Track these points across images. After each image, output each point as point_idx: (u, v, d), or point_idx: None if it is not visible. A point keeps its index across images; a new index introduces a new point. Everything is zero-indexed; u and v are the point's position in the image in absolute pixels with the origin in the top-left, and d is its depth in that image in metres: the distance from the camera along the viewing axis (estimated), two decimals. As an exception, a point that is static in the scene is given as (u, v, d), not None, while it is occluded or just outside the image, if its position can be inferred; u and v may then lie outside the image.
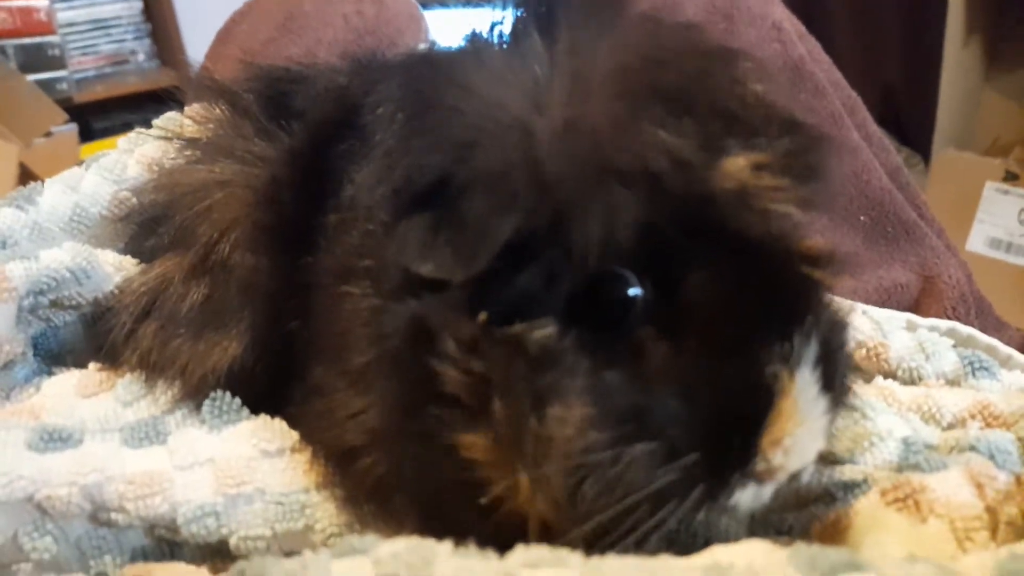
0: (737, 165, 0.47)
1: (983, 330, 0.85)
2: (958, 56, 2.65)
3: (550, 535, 0.49)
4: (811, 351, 0.49)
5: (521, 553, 0.40)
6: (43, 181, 0.84)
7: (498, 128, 0.49)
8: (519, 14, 0.56)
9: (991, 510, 0.58)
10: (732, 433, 0.47)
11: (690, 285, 0.48)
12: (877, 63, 3.01)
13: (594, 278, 0.48)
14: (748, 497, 0.49)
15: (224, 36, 1.46)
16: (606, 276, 0.48)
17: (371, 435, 0.56)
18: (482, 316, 0.49)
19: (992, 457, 0.61)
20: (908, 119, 2.98)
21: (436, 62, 0.60)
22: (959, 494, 0.58)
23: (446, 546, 0.40)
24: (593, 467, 0.46)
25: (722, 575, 0.37)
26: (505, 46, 0.55)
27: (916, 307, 1.19)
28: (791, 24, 1.33)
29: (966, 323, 0.89)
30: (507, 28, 0.55)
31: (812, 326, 0.49)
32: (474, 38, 0.57)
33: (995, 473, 0.60)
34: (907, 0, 2.91)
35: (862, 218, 1.27)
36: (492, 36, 0.56)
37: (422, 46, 0.76)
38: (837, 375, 0.51)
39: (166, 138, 0.79)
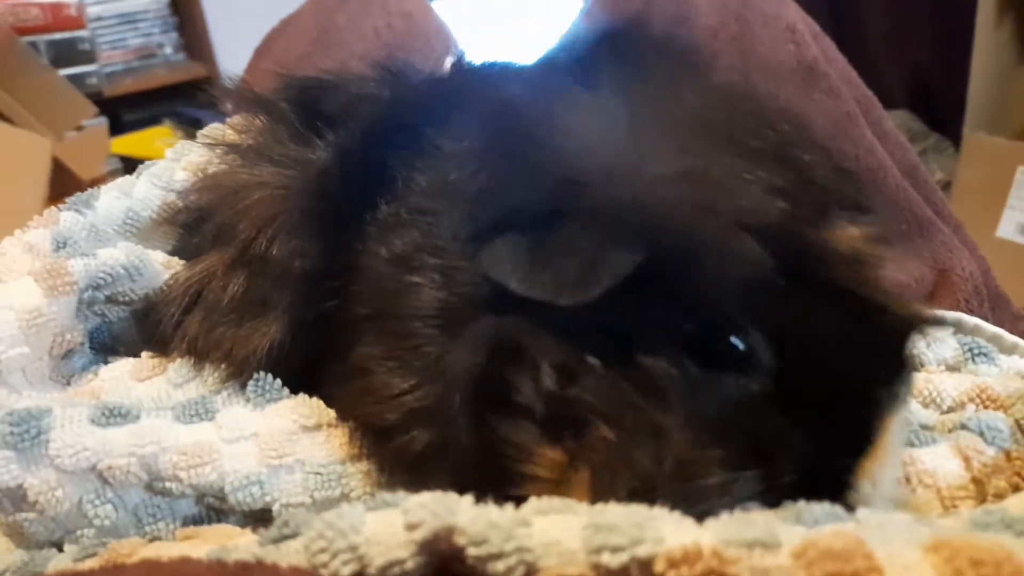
0: (850, 233, 0.52)
1: (999, 324, 0.89)
2: (990, 38, 2.60)
3: None
4: (906, 394, 0.54)
5: (534, 502, 0.45)
6: (100, 187, 0.91)
7: (603, 169, 0.52)
8: (597, 46, 0.61)
9: (977, 481, 0.62)
10: (833, 467, 0.51)
11: (801, 335, 0.53)
12: (906, 45, 2.97)
13: (711, 322, 0.52)
14: None
15: (262, 52, 1.54)
16: (723, 321, 0.52)
17: (412, 415, 0.60)
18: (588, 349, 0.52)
19: (982, 434, 0.65)
20: (938, 103, 2.93)
21: (522, 101, 0.63)
22: (945, 465, 0.62)
23: (468, 498, 0.45)
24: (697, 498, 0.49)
25: (710, 525, 0.41)
26: (584, 81, 0.59)
27: (931, 301, 1.20)
28: (805, 25, 1.35)
29: (979, 316, 0.92)
30: (583, 62, 0.60)
31: (909, 373, 0.54)
32: (552, 70, 0.61)
33: (983, 448, 0.64)
34: (938, -17, 2.89)
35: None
36: (567, 68, 0.61)
37: (467, 61, 0.81)
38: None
39: (210, 146, 0.85)
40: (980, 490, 0.62)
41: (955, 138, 2.79)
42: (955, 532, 0.41)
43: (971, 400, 0.74)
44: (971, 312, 1.14)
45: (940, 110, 2.92)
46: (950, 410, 0.75)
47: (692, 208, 0.50)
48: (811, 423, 0.52)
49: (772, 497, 0.48)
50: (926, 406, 0.75)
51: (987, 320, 0.88)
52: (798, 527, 0.43)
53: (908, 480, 0.62)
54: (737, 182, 0.51)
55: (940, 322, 0.57)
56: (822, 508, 0.45)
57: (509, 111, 0.63)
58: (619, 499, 0.46)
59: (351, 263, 0.67)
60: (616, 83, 0.58)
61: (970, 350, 0.82)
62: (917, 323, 0.55)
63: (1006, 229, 2.52)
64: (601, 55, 0.61)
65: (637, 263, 0.49)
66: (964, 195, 2.57)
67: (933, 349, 0.81)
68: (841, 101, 1.30)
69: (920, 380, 0.77)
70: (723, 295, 0.50)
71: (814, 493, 0.48)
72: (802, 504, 0.46)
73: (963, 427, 0.67)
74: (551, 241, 0.51)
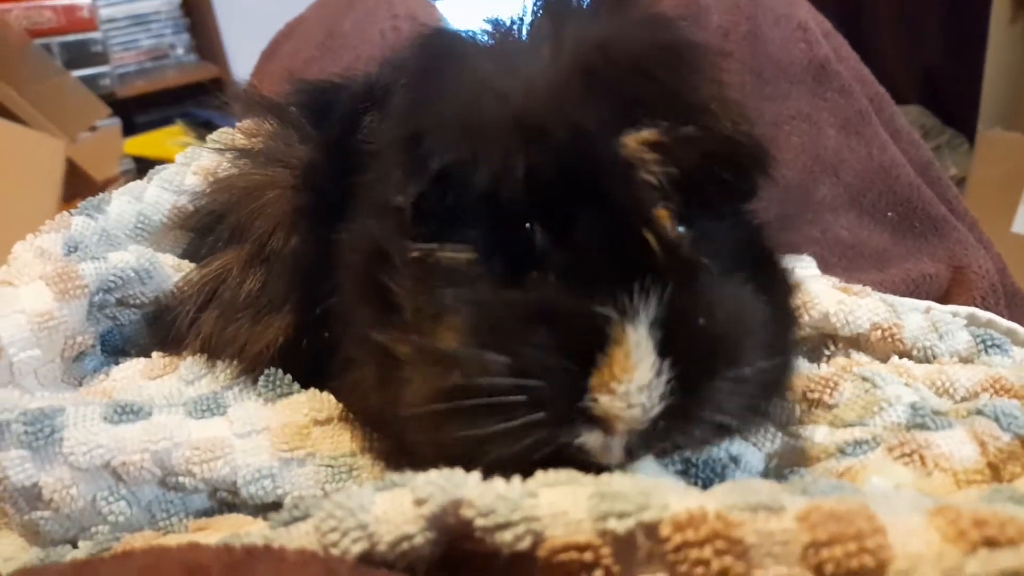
0: (633, 140, 0.54)
1: (1015, 322, 0.87)
2: (1004, 33, 2.59)
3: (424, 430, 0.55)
4: (648, 310, 0.52)
5: (540, 476, 0.45)
6: (111, 191, 0.91)
7: (466, 89, 0.57)
8: (539, 6, 0.63)
9: (993, 466, 0.61)
10: (568, 367, 0.52)
11: (573, 236, 0.54)
12: (920, 41, 2.95)
13: (498, 215, 0.55)
14: (595, 442, 0.53)
15: (269, 55, 1.55)
16: (509, 216, 0.55)
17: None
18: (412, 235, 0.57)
19: (997, 419, 0.65)
20: (952, 98, 2.91)
21: (446, 39, 0.68)
22: (962, 450, 0.61)
23: (475, 474, 0.45)
24: (456, 364, 0.52)
25: (715, 493, 0.41)
26: (515, 31, 0.63)
27: (946, 298, 1.19)
28: (816, 23, 1.35)
29: (995, 314, 0.91)
30: (525, 17, 0.63)
31: (653, 287, 0.53)
32: (494, 23, 0.64)
33: (999, 433, 0.63)
34: (952, -25, 2.87)
35: (889, 214, 1.28)
36: (512, 22, 0.64)
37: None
38: (688, 349, 0.53)
39: (220, 150, 0.86)
40: (995, 475, 0.61)
41: (969, 134, 2.78)
42: (958, 501, 0.41)
43: (984, 390, 0.73)
44: (988, 310, 1.13)
45: (954, 106, 2.91)
46: (963, 400, 0.74)
47: (498, 116, 0.55)
48: (557, 323, 0.53)
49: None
50: (940, 396, 0.74)
51: (1003, 318, 0.88)
52: (801, 497, 0.43)
53: (923, 463, 0.62)
54: (542, 98, 0.55)
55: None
56: (828, 482, 0.45)
57: (432, 47, 0.67)
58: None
59: (337, 258, 0.68)
60: (539, 32, 0.62)
61: (983, 342, 0.81)
62: (658, 228, 0.55)
63: (1021, 225, 2.50)
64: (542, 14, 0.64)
65: (442, 164, 0.55)
66: (978, 191, 2.56)
67: (946, 341, 0.81)
68: (853, 99, 1.30)
69: (933, 371, 0.76)
70: (498, 190, 0.54)
71: (557, 396, 0.51)
72: (808, 479, 0.46)
73: (979, 412, 0.66)
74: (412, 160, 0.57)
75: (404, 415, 0.56)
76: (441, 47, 0.66)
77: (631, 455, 0.55)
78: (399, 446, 0.62)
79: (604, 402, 0.51)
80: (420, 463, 0.51)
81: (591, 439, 0.53)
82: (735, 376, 0.55)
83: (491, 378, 0.51)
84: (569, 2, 0.63)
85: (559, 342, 0.52)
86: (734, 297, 0.57)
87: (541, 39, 0.60)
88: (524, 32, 0.62)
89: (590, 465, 0.51)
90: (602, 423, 0.52)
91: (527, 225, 0.55)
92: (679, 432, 0.55)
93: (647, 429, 0.53)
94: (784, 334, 0.63)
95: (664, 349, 0.52)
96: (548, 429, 0.52)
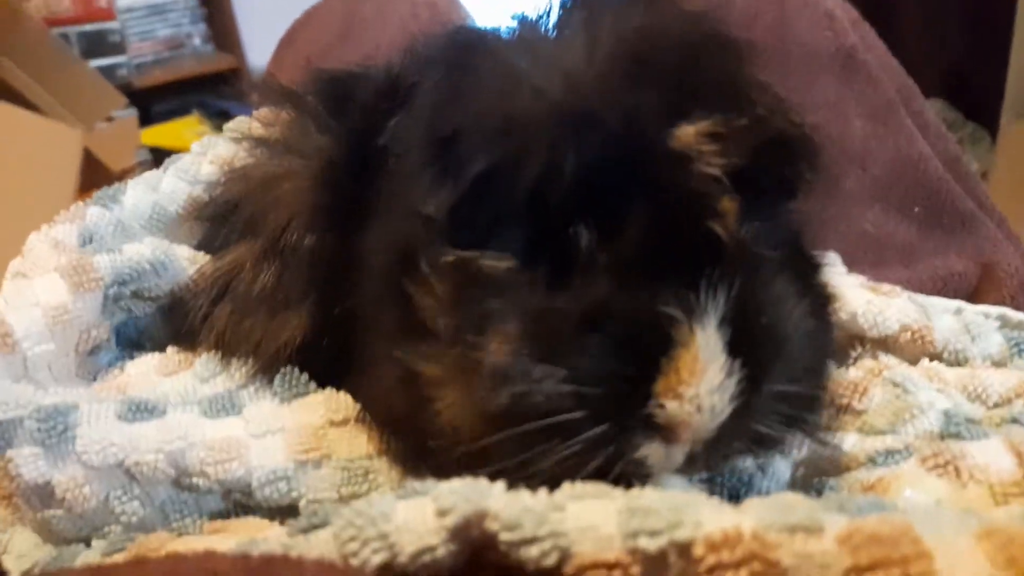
0: (687, 131, 0.51)
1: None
2: (1029, 25, 2.54)
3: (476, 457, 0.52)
4: (717, 307, 0.50)
5: (568, 488, 0.43)
6: (127, 181, 0.90)
7: (502, 85, 0.54)
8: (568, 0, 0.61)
9: (1031, 478, 0.59)
10: (630, 373, 0.49)
11: (626, 233, 0.52)
12: (943, 33, 2.91)
13: (541, 217, 0.52)
14: (657, 454, 0.51)
15: (287, 43, 1.53)
16: (553, 217, 0.52)
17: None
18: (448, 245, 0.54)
19: (1033, 429, 0.62)
20: (975, 92, 2.87)
21: (474, 36, 0.66)
22: (999, 461, 0.59)
23: (500, 484, 0.43)
24: (508, 378, 0.50)
25: (750, 510, 0.40)
26: (549, 26, 0.60)
27: (975, 295, 1.17)
28: (843, 12, 1.32)
29: (1024, 311, 0.89)
30: (552, 12, 0.61)
31: (720, 283, 0.50)
32: (521, 19, 0.62)
33: (1035, 444, 0.61)
34: (977, -29, 2.83)
35: (916, 208, 1.26)
36: (539, 17, 0.61)
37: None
38: (754, 350, 0.51)
39: (236, 140, 0.85)
40: (1033, 487, 0.59)
41: (991, 128, 2.74)
42: (1006, 522, 0.39)
43: (1019, 395, 0.71)
44: (1017, 309, 1.11)
45: (977, 99, 2.87)
46: (996, 406, 0.72)
47: (537, 112, 0.52)
48: (617, 327, 0.50)
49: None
50: (972, 401, 0.72)
51: (1033, 316, 0.85)
52: (840, 515, 0.41)
53: (958, 474, 0.60)
54: (587, 90, 0.52)
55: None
56: (865, 499, 0.44)
57: (462, 42, 0.65)
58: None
59: (357, 257, 0.66)
60: (571, 25, 0.59)
61: (1016, 345, 0.79)
62: (724, 220, 0.52)
63: (1043, 220, 2.46)
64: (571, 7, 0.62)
65: (484, 166, 0.52)
66: (1000, 186, 2.52)
67: (978, 344, 0.78)
68: (881, 89, 1.27)
69: (965, 375, 0.74)
70: (544, 191, 0.51)
71: (619, 406, 0.49)
72: (844, 495, 0.44)
73: (1014, 421, 0.64)
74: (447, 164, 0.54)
75: (446, 444, 0.53)
76: (469, 43, 0.63)
77: (692, 465, 0.53)
78: (417, 449, 0.60)
79: (672, 408, 0.49)
80: (438, 468, 0.50)
81: (652, 450, 0.51)
82: (792, 379, 0.53)
83: (546, 394, 0.49)
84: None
85: (618, 348, 0.50)
86: (791, 298, 0.55)
87: (574, 32, 0.57)
88: (552, 27, 0.60)
89: (620, 478, 0.49)
90: (665, 432, 0.50)
91: (571, 226, 0.52)
92: (739, 439, 0.53)
93: (712, 436, 0.51)
94: (827, 343, 0.61)
95: (733, 349, 0.50)
96: (613, 445, 0.49)
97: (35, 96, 2.54)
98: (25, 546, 0.64)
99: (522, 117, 0.52)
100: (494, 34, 0.63)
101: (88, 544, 0.64)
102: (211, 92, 3.70)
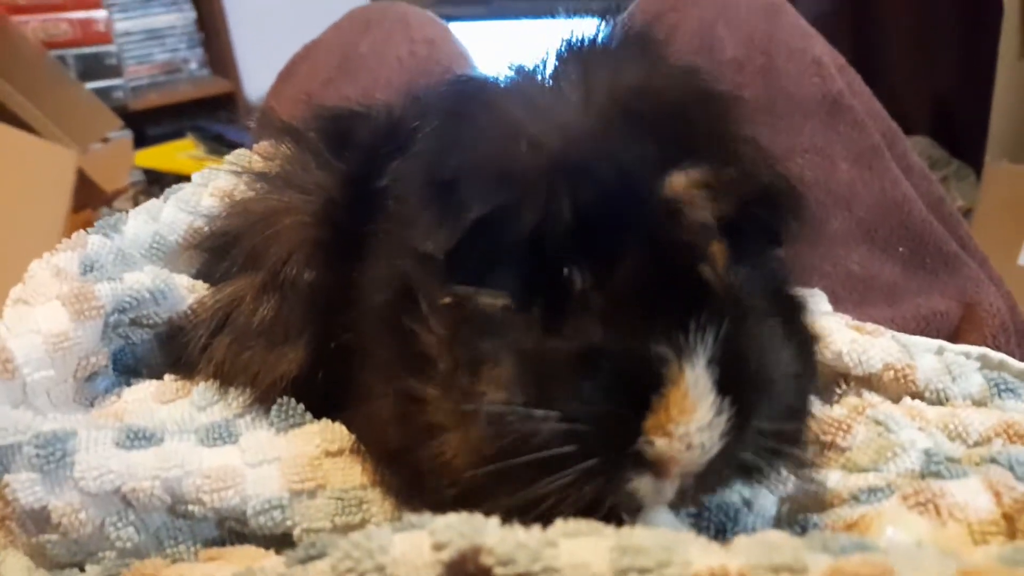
0: (679, 180, 0.54)
1: (1025, 360, 0.87)
2: (1013, 66, 2.61)
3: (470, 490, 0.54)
4: (705, 348, 0.52)
5: (561, 524, 0.45)
6: (127, 211, 0.92)
7: (499, 134, 0.57)
8: (563, 51, 0.64)
9: (1008, 517, 0.60)
10: (620, 411, 0.51)
11: (618, 276, 0.54)
12: (929, 72, 2.98)
13: (537, 259, 0.55)
14: (647, 488, 0.52)
15: (285, 77, 1.55)
16: (548, 259, 0.55)
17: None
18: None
19: (1012, 469, 0.64)
20: (960, 130, 2.93)
21: (474, 85, 0.68)
22: (977, 500, 0.61)
23: (494, 519, 0.45)
24: (504, 423, 0.52)
25: (737, 549, 0.41)
26: (546, 76, 0.63)
27: (956, 335, 1.19)
28: (830, 58, 1.35)
29: (1006, 352, 0.90)
30: (548, 61, 0.64)
31: (709, 324, 0.52)
32: (518, 69, 0.65)
33: (1014, 484, 0.63)
34: (962, 11, 2.88)
35: (901, 249, 1.28)
36: (535, 68, 0.64)
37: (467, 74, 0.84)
38: (742, 388, 0.53)
39: (236, 173, 0.86)
40: (1011, 527, 0.60)
41: (976, 165, 2.79)
42: (984, 563, 0.40)
43: (998, 435, 0.73)
44: (998, 348, 1.12)
45: (962, 137, 2.93)
46: (976, 444, 0.73)
47: (536, 160, 0.55)
48: (607, 366, 0.52)
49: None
50: (952, 440, 0.74)
51: (1014, 356, 0.87)
52: (823, 555, 0.42)
53: (938, 512, 0.61)
54: (582, 141, 0.55)
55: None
56: (849, 538, 0.45)
57: (461, 91, 0.69)
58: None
59: (355, 294, 0.68)
60: (567, 77, 0.62)
61: (996, 385, 0.81)
62: (713, 262, 0.55)
63: (1027, 258, 2.50)
64: (567, 59, 0.65)
65: (485, 210, 0.54)
66: (985, 223, 2.57)
67: (959, 383, 0.80)
68: (866, 134, 1.30)
69: (946, 414, 0.76)
70: (540, 235, 0.54)
71: (609, 442, 0.51)
72: (828, 533, 0.45)
73: (992, 460, 0.66)
74: (447, 205, 0.56)
75: (443, 482, 0.55)
76: (469, 92, 0.66)
77: (683, 499, 0.54)
78: (412, 481, 0.62)
79: (660, 445, 0.51)
80: (432, 501, 0.51)
81: (643, 484, 0.52)
82: (777, 417, 0.55)
83: (540, 431, 0.51)
84: (593, 45, 0.64)
85: (610, 386, 0.51)
86: (776, 340, 0.58)
87: (570, 84, 0.60)
88: (548, 76, 0.62)
89: (609, 515, 0.51)
90: (654, 467, 0.51)
91: (566, 269, 0.55)
92: (726, 473, 0.55)
93: (701, 471, 0.52)
94: (811, 382, 0.63)
95: (722, 387, 0.52)
96: (602, 477, 0.51)
97: (30, 116, 2.55)
98: (18, 570, 0.64)
99: (520, 167, 0.55)
100: (493, 83, 0.65)
101: (82, 569, 0.64)
102: (206, 116, 3.73)
